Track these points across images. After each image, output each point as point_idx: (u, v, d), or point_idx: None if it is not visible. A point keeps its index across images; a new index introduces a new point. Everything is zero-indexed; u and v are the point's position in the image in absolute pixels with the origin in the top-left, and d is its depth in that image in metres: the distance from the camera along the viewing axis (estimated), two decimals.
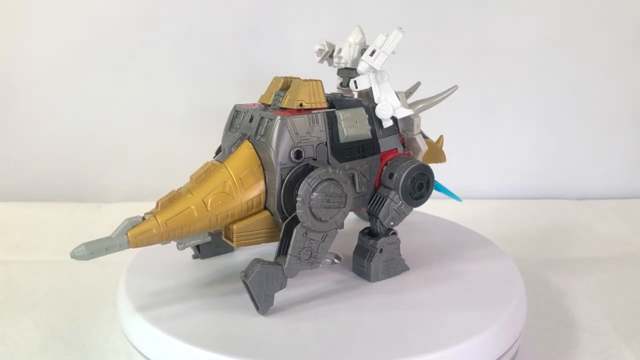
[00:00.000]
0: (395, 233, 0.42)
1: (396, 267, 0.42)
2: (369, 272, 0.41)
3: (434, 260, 0.45)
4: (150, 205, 0.36)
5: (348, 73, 0.42)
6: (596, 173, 0.81)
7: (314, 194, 0.36)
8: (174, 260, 0.44)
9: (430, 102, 0.45)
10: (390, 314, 0.37)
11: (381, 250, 0.41)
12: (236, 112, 0.41)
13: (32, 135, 0.77)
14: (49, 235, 0.65)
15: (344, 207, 0.37)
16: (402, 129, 0.43)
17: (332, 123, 0.39)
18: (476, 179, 0.80)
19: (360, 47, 0.41)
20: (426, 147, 0.44)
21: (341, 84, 0.43)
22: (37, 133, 0.77)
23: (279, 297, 0.38)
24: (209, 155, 0.40)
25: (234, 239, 0.38)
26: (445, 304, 0.38)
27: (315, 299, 0.39)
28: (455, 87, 0.46)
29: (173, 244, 0.36)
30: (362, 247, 0.42)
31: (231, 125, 0.40)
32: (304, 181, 0.36)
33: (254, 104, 0.41)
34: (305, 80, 0.39)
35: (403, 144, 0.43)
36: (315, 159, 0.38)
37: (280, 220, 0.38)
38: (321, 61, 0.44)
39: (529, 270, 0.50)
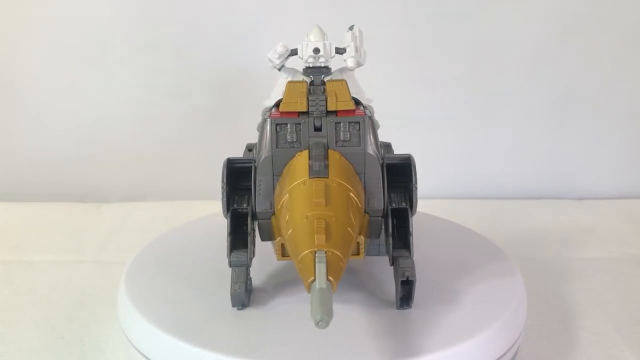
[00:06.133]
0: None
1: None
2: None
3: (433, 260, 0.45)
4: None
5: (321, 72, 0.41)
6: (596, 173, 0.81)
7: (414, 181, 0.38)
8: (174, 260, 0.44)
9: None
10: (389, 314, 0.37)
11: None
12: (277, 125, 0.37)
13: (32, 135, 0.77)
14: (49, 235, 0.65)
15: None
16: None
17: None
18: (475, 179, 0.80)
19: (334, 45, 0.41)
20: None
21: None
22: (37, 133, 0.77)
23: (282, 295, 0.38)
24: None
25: (362, 251, 0.36)
26: (444, 304, 0.38)
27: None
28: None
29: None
30: None
31: (278, 141, 0.37)
32: (412, 171, 0.37)
33: (282, 114, 0.38)
34: (343, 80, 0.39)
35: None
36: None
37: (380, 218, 0.37)
38: (280, 64, 0.42)
39: (528, 270, 0.50)
